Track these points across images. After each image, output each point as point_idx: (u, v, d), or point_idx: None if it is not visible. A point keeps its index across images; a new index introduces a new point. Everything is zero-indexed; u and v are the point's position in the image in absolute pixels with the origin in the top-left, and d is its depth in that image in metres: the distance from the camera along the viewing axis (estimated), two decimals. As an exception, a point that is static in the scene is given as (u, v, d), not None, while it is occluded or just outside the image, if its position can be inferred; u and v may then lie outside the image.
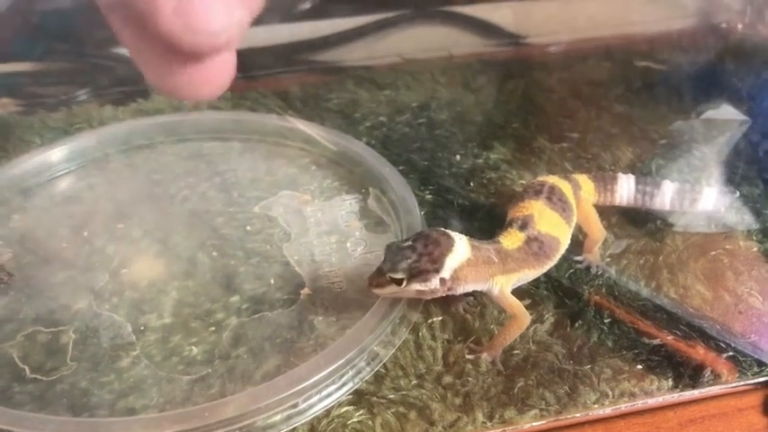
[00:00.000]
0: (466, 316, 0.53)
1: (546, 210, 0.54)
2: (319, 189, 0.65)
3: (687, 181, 0.62)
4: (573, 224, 0.56)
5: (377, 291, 0.49)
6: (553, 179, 0.57)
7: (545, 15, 0.92)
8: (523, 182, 0.66)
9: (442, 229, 0.50)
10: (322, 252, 0.58)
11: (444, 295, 0.50)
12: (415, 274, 0.48)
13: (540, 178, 0.58)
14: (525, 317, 0.50)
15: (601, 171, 0.62)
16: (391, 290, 0.48)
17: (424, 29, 0.92)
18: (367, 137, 0.72)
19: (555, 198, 0.55)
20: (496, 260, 0.50)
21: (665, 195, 0.59)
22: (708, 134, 0.69)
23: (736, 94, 0.74)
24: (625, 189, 0.59)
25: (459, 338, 0.51)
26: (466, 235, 0.51)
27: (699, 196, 0.59)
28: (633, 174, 0.60)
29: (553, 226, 0.53)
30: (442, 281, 0.48)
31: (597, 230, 0.57)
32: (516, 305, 0.50)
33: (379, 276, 0.48)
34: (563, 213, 0.54)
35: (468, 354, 0.50)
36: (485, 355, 0.50)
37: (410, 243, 0.49)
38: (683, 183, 0.60)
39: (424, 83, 0.82)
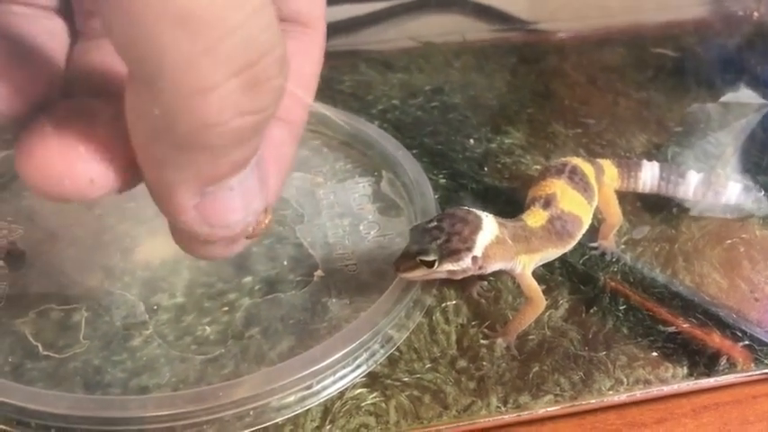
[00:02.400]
0: (480, 300, 0.53)
1: (568, 189, 0.53)
2: (332, 171, 0.65)
3: (704, 169, 0.61)
4: (594, 205, 0.55)
5: (405, 275, 0.48)
6: (576, 160, 0.57)
7: (560, 1, 0.92)
8: (538, 167, 0.65)
9: (466, 207, 0.50)
10: (335, 234, 0.58)
11: (477, 274, 0.49)
12: (447, 254, 0.47)
13: (563, 159, 0.57)
14: (541, 301, 0.50)
15: (623, 158, 0.62)
16: (422, 272, 0.47)
17: (438, 15, 0.91)
18: (380, 120, 0.71)
19: (577, 178, 0.54)
20: (522, 238, 0.50)
21: (690, 185, 0.59)
22: (725, 119, 0.68)
23: (753, 81, 0.73)
24: (649, 176, 0.59)
25: (473, 323, 0.51)
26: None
27: (723, 189, 0.59)
28: (657, 161, 0.60)
29: (576, 205, 0.53)
30: (474, 259, 0.48)
31: (616, 216, 0.57)
32: (534, 288, 0.50)
33: (408, 260, 0.47)
34: (584, 193, 0.54)
35: (483, 339, 0.50)
36: (500, 340, 0.49)
37: (436, 223, 0.48)
38: (708, 173, 0.60)
39: (437, 66, 0.81)
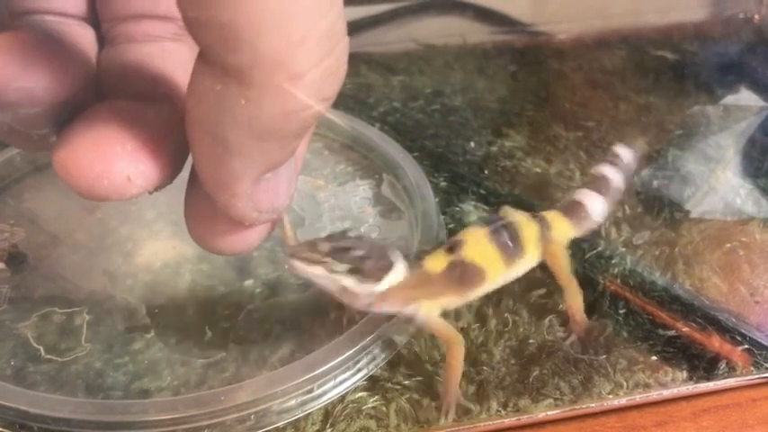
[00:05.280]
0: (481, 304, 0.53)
1: (483, 240, 0.48)
2: (332, 174, 0.65)
3: (704, 172, 0.61)
4: (520, 265, 0.50)
5: (297, 264, 0.42)
6: (517, 217, 0.51)
7: (560, 4, 0.92)
8: (538, 170, 0.65)
9: (385, 245, 0.46)
10: (336, 237, 0.58)
11: (363, 308, 0.45)
12: (357, 270, 0.43)
13: (503, 213, 0.51)
14: (456, 336, 0.46)
15: (565, 203, 0.54)
16: (315, 272, 0.42)
17: (439, 17, 0.92)
18: (380, 122, 0.71)
19: (504, 235, 0.48)
20: (423, 283, 0.46)
21: (614, 178, 0.55)
22: (726, 121, 0.68)
23: (754, 84, 0.73)
24: (598, 207, 0.54)
25: (473, 327, 0.51)
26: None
27: (619, 159, 0.56)
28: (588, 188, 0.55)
29: (483, 258, 0.47)
30: (374, 293, 0.44)
31: (568, 280, 0.51)
32: (443, 326, 0.47)
33: (312, 251, 0.42)
34: (503, 250, 0.48)
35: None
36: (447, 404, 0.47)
37: (357, 236, 0.44)
38: (602, 157, 0.57)
39: (438, 69, 0.81)
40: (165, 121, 0.31)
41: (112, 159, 0.28)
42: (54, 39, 0.31)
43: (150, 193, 0.31)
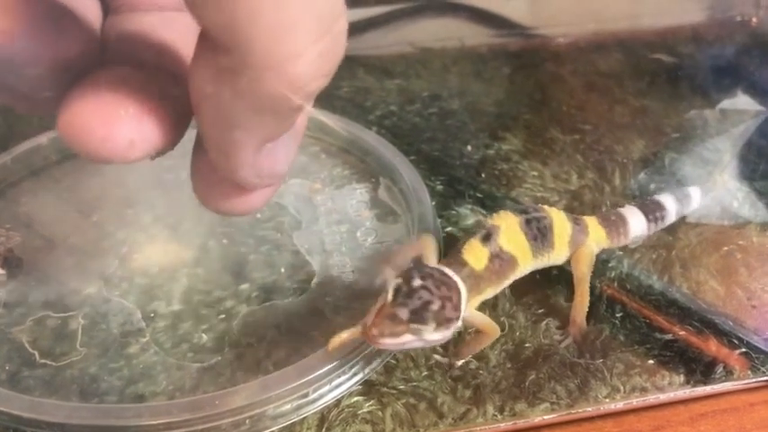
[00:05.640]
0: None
1: (515, 227, 0.50)
2: (329, 177, 0.65)
3: (702, 175, 0.61)
4: (542, 260, 0.51)
5: (387, 341, 0.41)
6: (557, 214, 0.52)
7: (558, 7, 0.92)
8: (535, 173, 0.65)
9: (439, 267, 0.46)
10: (332, 241, 0.58)
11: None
12: (441, 323, 0.42)
13: (545, 207, 0.52)
14: (495, 329, 0.48)
15: (607, 215, 0.56)
16: (407, 339, 0.42)
17: (437, 20, 0.92)
18: (377, 126, 0.71)
19: (534, 224, 0.50)
20: (474, 285, 0.47)
21: (671, 210, 0.57)
22: (723, 125, 0.68)
23: (752, 88, 0.73)
24: (638, 226, 0.55)
25: (469, 331, 0.51)
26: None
27: (688, 199, 0.58)
28: (636, 206, 0.57)
29: (515, 246, 0.49)
30: (458, 327, 0.44)
31: (583, 284, 0.51)
32: (486, 321, 0.48)
33: (395, 324, 0.41)
34: (533, 241, 0.50)
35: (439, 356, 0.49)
36: (447, 361, 0.49)
37: (420, 282, 0.43)
38: (674, 188, 0.59)
39: (435, 72, 0.81)
40: (167, 87, 0.32)
41: (115, 123, 0.29)
42: (60, 3, 0.32)
43: (152, 158, 0.32)
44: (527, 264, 0.51)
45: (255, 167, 0.31)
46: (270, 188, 0.34)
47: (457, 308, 0.44)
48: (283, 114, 0.29)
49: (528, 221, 0.50)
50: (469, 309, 0.47)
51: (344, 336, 0.44)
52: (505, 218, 0.50)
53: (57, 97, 0.31)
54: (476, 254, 0.48)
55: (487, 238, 0.48)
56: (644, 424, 0.47)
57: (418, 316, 0.42)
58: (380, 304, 0.42)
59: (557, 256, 0.52)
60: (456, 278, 0.45)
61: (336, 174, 0.65)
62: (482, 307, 0.51)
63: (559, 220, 0.52)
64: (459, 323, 0.44)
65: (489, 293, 0.49)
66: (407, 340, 0.42)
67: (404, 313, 0.41)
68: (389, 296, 0.42)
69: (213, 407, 0.43)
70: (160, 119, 0.30)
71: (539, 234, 0.50)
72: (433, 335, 0.42)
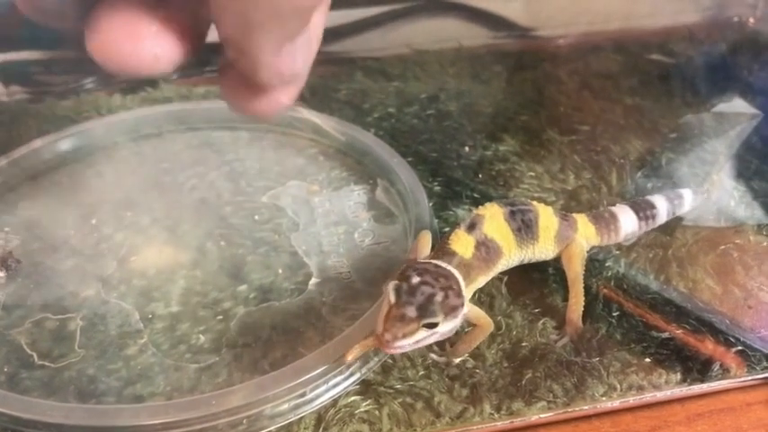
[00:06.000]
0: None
1: (500, 218, 0.51)
2: (327, 179, 0.65)
3: (698, 175, 0.61)
4: (526, 252, 0.52)
5: (402, 342, 0.42)
6: (542, 208, 0.53)
7: (555, 8, 0.92)
8: (532, 174, 0.65)
9: (431, 261, 0.47)
10: (330, 242, 0.58)
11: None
12: (448, 312, 0.43)
13: (535, 202, 0.53)
14: (490, 323, 0.48)
15: (597, 212, 0.57)
16: (421, 336, 0.43)
17: (434, 20, 0.92)
18: (375, 128, 0.71)
19: (519, 216, 0.51)
20: (465, 273, 0.47)
21: (662, 210, 0.57)
22: (719, 128, 0.68)
23: (748, 88, 0.74)
24: (629, 224, 0.56)
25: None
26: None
27: (680, 200, 0.58)
28: (626, 204, 0.57)
29: (500, 235, 0.50)
30: (464, 313, 0.45)
31: (577, 283, 0.52)
32: (481, 314, 0.48)
33: (406, 324, 0.42)
34: (517, 232, 0.51)
35: (436, 355, 0.49)
36: (445, 360, 0.49)
37: (419, 279, 0.44)
38: (666, 190, 0.59)
39: (433, 74, 0.82)
40: (186, 3, 0.33)
41: (140, 39, 0.31)
42: None
43: (171, 72, 0.33)
44: (512, 253, 0.51)
45: (276, 67, 0.32)
46: (293, 87, 0.36)
47: (459, 294, 0.45)
48: (299, 13, 0.30)
49: (512, 213, 0.51)
50: (468, 300, 0.47)
51: (358, 350, 0.45)
52: (490, 208, 0.51)
53: (80, 16, 0.32)
54: (462, 243, 0.49)
55: (472, 226, 0.50)
56: (641, 424, 0.47)
57: (426, 310, 0.42)
58: (386, 309, 0.43)
59: (542, 248, 0.53)
60: (450, 267, 0.46)
61: (334, 176, 0.66)
62: (478, 305, 0.52)
63: (545, 214, 0.53)
64: (465, 309, 0.45)
65: (480, 282, 0.50)
66: (422, 337, 0.43)
67: (411, 311, 0.42)
68: (392, 298, 0.43)
69: (210, 407, 0.43)
70: (181, 32, 0.32)
71: (523, 225, 0.51)
72: (445, 325, 0.43)
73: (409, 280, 0.44)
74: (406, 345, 0.42)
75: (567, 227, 0.54)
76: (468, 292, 0.47)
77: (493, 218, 0.51)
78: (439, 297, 0.43)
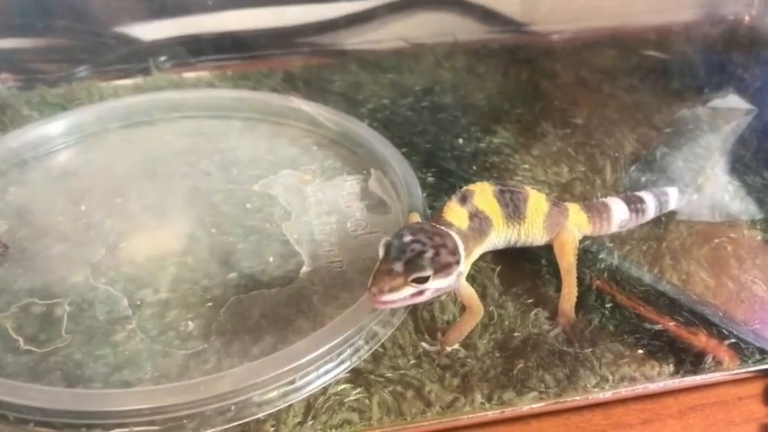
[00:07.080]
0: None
1: (489, 193, 0.52)
2: (320, 169, 0.65)
3: (693, 170, 0.61)
4: (513, 231, 0.52)
5: (390, 296, 0.43)
6: (533, 192, 0.53)
7: (551, 3, 0.92)
8: (526, 166, 0.65)
9: (431, 223, 0.48)
10: (322, 231, 0.58)
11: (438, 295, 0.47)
12: (439, 268, 0.44)
13: (527, 187, 0.54)
14: (480, 308, 0.48)
15: (590, 202, 0.57)
16: (410, 291, 0.43)
17: (430, 14, 0.91)
18: (369, 119, 0.71)
19: (509, 195, 0.52)
20: (464, 245, 0.48)
21: (650, 205, 0.57)
22: (713, 122, 0.68)
23: (743, 85, 0.74)
24: (621, 214, 0.56)
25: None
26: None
27: (666, 197, 0.58)
28: (617, 196, 0.57)
29: (489, 208, 0.51)
30: (459, 275, 0.46)
31: (568, 270, 0.52)
32: (474, 296, 0.48)
33: (393, 278, 0.43)
34: (505, 209, 0.52)
35: (427, 345, 0.49)
36: (436, 349, 0.48)
37: (411, 237, 0.45)
38: (653, 188, 0.59)
39: (427, 67, 0.81)
40: None
41: None
42: None
43: None
44: (500, 228, 0.52)
45: None
46: None
47: (454, 252, 0.45)
48: None
49: (502, 191, 0.52)
50: (460, 279, 0.47)
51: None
52: (480, 185, 0.52)
53: None
54: (456, 214, 0.49)
55: (464, 199, 0.50)
56: (633, 417, 0.47)
57: (414, 265, 0.43)
58: (376, 267, 0.44)
59: (530, 230, 0.53)
60: (448, 230, 0.47)
61: (328, 165, 0.65)
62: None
63: (535, 198, 0.53)
64: (462, 268, 0.46)
65: (475, 254, 0.51)
66: (410, 293, 0.43)
67: (399, 266, 0.43)
68: (381, 253, 0.44)
69: (197, 392, 0.43)
70: None
71: (511, 203, 0.52)
72: (435, 282, 0.44)
73: (401, 238, 0.45)
74: (394, 299, 0.43)
75: (557, 213, 0.54)
76: (465, 265, 0.48)
77: (483, 192, 0.51)
78: (429, 253, 0.44)
